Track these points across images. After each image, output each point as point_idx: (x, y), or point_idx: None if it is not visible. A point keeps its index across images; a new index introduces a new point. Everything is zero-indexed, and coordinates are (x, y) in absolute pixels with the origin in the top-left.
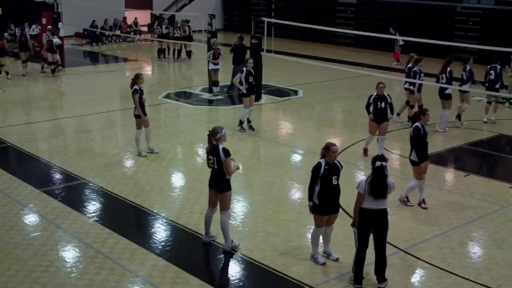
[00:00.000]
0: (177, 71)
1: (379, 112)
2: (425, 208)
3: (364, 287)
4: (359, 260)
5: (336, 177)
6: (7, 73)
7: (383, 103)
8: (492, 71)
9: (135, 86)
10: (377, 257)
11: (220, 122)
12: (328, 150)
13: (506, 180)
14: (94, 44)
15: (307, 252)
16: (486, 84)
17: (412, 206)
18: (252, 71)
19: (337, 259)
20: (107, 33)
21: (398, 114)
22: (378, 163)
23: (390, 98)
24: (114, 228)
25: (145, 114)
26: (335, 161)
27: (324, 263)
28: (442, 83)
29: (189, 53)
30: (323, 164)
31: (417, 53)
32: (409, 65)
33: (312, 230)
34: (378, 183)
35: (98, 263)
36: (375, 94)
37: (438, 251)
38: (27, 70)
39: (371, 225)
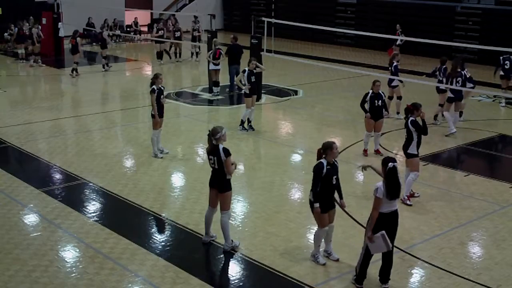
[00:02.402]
0: (177, 71)
1: (376, 109)
2: (410, 205)
3: (365, 287)
4: (366, 262)
5: (336, 176)
6: (75, 70)
7: (380, 100)
8: (507, 62)
9: (153, 86)
10: (385, 259)
11: (220, 122)
12: (331, 148)
13: (506, 180)
14: (94, 44)
15: (307, 252)
16: (502, 73)
17: (411, 205)
18: (254, 71)
19: (337, 260)
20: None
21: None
22: (390, 165)
23: (384, 96)
24: (114, 228)
25: (160, 116)
26: (334, 161)
27: (324, 264)
28: (457, 85)
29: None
30: (325, 164)
31: (417, 53)
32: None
33: (313, 230)
34: (394, 184)
35: (98, 263)
36: (371, 92)
37: (438, 251)
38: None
39: (386, 228)
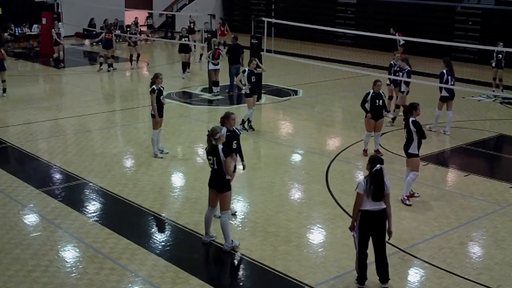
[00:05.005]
0: (177, 71)
1: (376, 109)
2: (410, 205)
3: (366, 287)
4: (362, 261)
5: (236, 142)
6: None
7: (380, 100)
8: (499, 55)
9: (153, 86)
10: (378, 258)
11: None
12: (228, 118)
13: (506, 180)
14: (94, 44)
15: (307, 252)
16: (493, 65)
17: (411, 205)
18: (255, 71)
19: (235, 213)
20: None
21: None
22: (378, 166)
23: (384, 96)
24: (114, 228)
25: (160, 115)
26: (234, 128)
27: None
28: (452, 84)
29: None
30: (224, 131)
31: (417, 53)
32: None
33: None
34: (377, 186)
35: (98, 263)
36: (372, 91)
37: (438, 251)
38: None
39: (372, 226)
